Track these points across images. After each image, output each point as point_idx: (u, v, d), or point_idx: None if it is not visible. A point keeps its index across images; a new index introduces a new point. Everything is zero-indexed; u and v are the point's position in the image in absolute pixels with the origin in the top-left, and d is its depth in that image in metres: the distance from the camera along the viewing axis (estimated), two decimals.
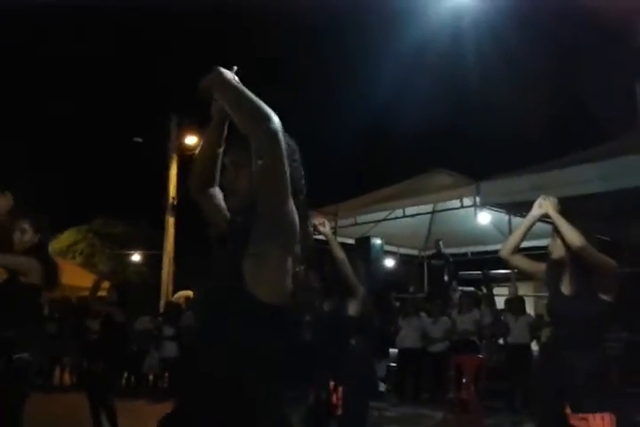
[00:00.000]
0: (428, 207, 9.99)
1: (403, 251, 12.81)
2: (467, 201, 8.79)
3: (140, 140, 14.87)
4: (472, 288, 10.17)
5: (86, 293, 12.27)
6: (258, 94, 1.51)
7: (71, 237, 21.31)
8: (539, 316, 7.51)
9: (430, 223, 11.80)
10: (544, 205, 2.74)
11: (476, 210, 8.47)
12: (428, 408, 7.82)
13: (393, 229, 10.87)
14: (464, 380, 6.68)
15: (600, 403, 2.35)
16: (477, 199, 8.25)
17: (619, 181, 6.91)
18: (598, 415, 2.29)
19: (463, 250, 12.14)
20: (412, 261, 12.80)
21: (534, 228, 3.07)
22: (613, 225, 9.31)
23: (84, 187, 20.90)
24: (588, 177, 7.08)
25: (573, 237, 2.53)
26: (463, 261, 11.78)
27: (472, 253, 12.15)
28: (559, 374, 2.44)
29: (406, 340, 8.65)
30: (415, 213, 9.74)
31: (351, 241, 10.96)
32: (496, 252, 10.77)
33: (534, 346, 7.63)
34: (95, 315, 6.78)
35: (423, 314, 8.84)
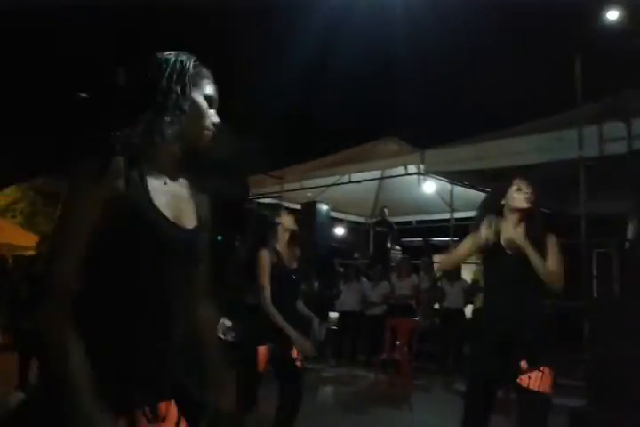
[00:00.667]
0: (375, 174, 10.05)
1: (350, 218, 12.92)
2: (411, 169, 8.88)
3: (84, 95, 14.32)
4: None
5: (25, 252, 12.01)
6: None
7: (11, 195, 20.56)
8: (474, 281, 7.74)
9: (377, 191, 11.92)
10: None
11: (419, 178, 8.57)
12: (363, 369, 8.06)
13: (340, 195, 10.92)
14: (398, 342, 6.88)
15: (545, 358, 2.45)
16: (422, 167, 8.34)
17: (554, 153, 7.09)
18: (538, 370, 2.40)
19: (408, 218, 12.32)
20: (359, 229, 12.93)
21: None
22: (552, 196, 9.63)
23: (26, 143, 20.03)
24: (526, 148, 7.23)
25: (550, 271, 2.51)
26: (407, 229, 11.99)
27: (417, 222, 12.37)
28: (504, 331, 2.49)
29: (346, 303, 8.82)
30: (361, 179, 9.77)
31: (297, 206, 11.00)
32: (439, 221, 11.11)
33: (468, 311, 7.92)
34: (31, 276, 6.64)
35: (364, 279, 9.01)
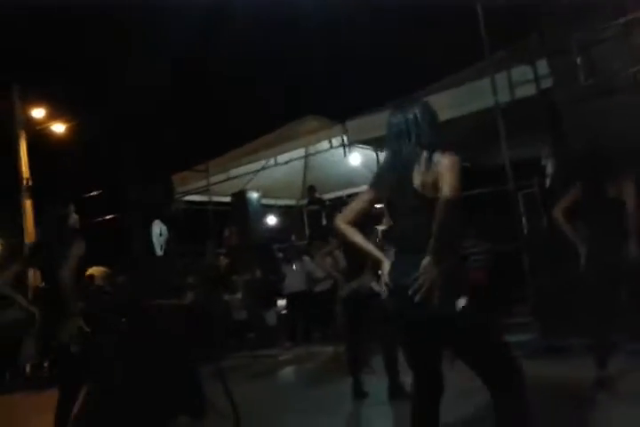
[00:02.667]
0: (300, 153, 9.95)
1: (281, 202, 12.79)
2: (335, 142, 8.84)
3: None
4: None
5: None
6: None
7: None
8: None
9: (304, 172, 11.85)
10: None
11: (345, 149, 8.55)
12: (319, 345, 8.01)
13: (268, 181, 10.76)
14: None
15: None
16: (345, 138, 8.31)
17: (471, 104, 7.21)
18: None
19: (339, 193, 12.32)
20: (292, 212, 12.83)
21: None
22: (470, 149, 9.85)
23: None
24: (444, 104, 7.31)
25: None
26: (340, 204, 11.97)
27: (347, 196, 12.38)
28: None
29: (292, 285, 8.73)
30: (288, 159, 9.65)
31: (226, 199, 10.78)
32: None
33: None
34: None
35: (306, 258, 8.92)
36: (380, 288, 2.53)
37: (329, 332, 8.13)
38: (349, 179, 11.50)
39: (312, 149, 9.71)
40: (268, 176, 10.55)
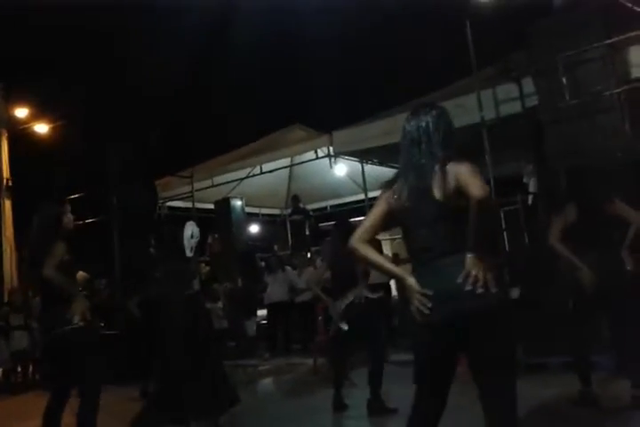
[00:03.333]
0: (285, 162, 9.95)
1: (264, 211, 12.77)
2: (321, 153, 8.87)
3: None
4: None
5: None
6: None
7: None
8: (395, 255, 7.84)
9: (289, 181, 11.85)
10: None
11: (331, 160, 8.57)
12: (299, 357, 7.97)
13: (253, 189, 10.75)
14: None
15: None
16: (331, 149, 8.34)
17: (457, 119, 7.27)
18: None
19: (323, 204, 12.34)
20: (275, 221, 12.80)
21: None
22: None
23: None
24: None
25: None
26: (324, 215, 12.01)
27: (331, 206, 12.41)
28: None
29: (274, 295, 8.69)
30: (273, 168, 9.65)
31: (210, 205, 10.73)
32: (353, 203, 11.17)
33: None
34: None
35: (289, 268, 8.90)
36: (417, 306, 2.29)
37: (309, 343, 8.11)
38: (333, 190, 11.55)
39: (297, 159, 9.70)
40: (253, 184, 10.54)
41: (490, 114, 6.79)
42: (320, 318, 6.93)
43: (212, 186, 10.01)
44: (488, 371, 2.28)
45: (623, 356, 4.05)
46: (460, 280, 2.19)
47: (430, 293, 2.26)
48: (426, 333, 2.34)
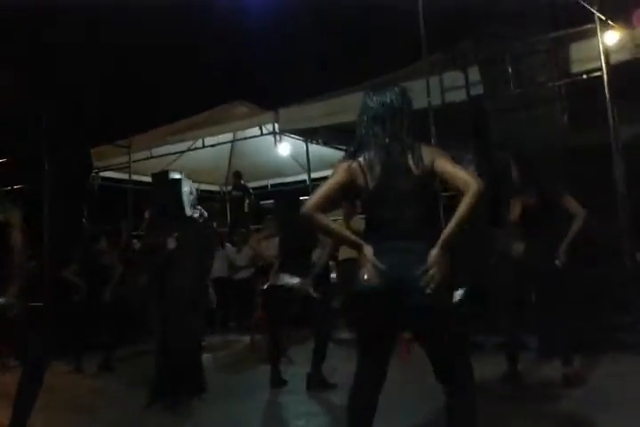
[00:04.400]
0: (229, 137, 9.80)
1: (203, 187, 12.53)
2: (266, 130, 8.77)
3: None
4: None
5: None
6: None
7: None
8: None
9: (230, 157, 11.68)
10: None
11: (275, 137, 8.48)
12: (236, 334, 7.97)
13: (192, 164, 10.49)
14: None
15: None
16: (276, 126, 8.27)
17: None
18: None
19: (263, 182, 12.25)
20: (214, 197, 12.62)
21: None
22: None
23: None
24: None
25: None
26: (264, 193, 11.94)
27: (272, 185, 12.35)
28: None
29: (213, 271, 8.59)
30: (216, 143, 9.47)
31: (147, 178, 10.42)
32: (294, 182, 11.16)
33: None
34: None
35: (228, 245, 8.83)
36: (365, 273, 2.30)
37: (246, 321, 8.11)
38: (276, 169, 11.48)
39: (241, 135, 9.56)
40: (192, 159, 10.30)
41: (436, 100, 6.91)
42: (258, 294, 6.91)
43: (151, 157, 9.73)
44: (433, 350, 2.37)
45: (550, 337, 4.28)
46: (417, 273, 2.22)
47: (383, 267, 2.28)
48: (368, 305, 2.38)
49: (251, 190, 10.69)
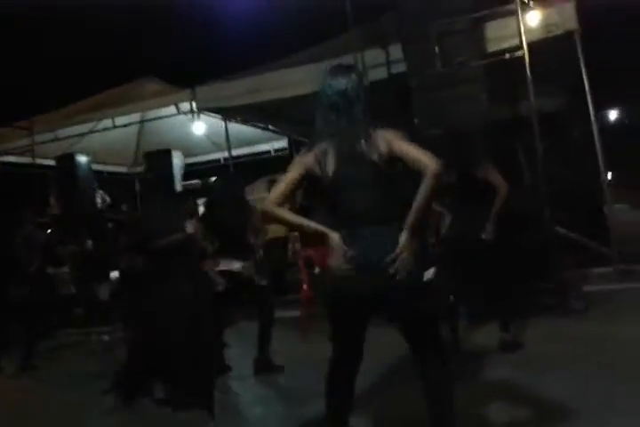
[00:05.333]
0: (139, 116, 9.32)
1: (110, 169, 11.91)
2: (182, 108, 8.42)
3: None
4: None
5: None
6: None
7: None
8: None
9: (138, 137, 11.14)
10: None
11: (194, 116, 8.17)
12: None
13: (97, 145, 9.92)
14: None
15: None
16: (194, 105, 7.96)
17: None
18: None
19: None
20: (121, 179, 12.03)
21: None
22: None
23: None
24: (300, 79, 7.32)
25: None
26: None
27: (186, 165, 11.94)
28: None
29: None
30: (127, 122, 8.99)
31: (50, 162, 9.75)
32: (210, 162, 10.90)
33: None
34: None
35: None
36: (334, 260, 2.32)
37: None
38: (187, 148, 11.08)
39: (153, 114, 9.10)
40: (97, 140, 9.72)
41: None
42: None
43: (56, 139, 9.08)
44: (408, 329, 2.42)
45: (479, 304, 4.50)
46: (387, 259, 2.25)
47: (353, 254, 2.30)
48: (340, 292, 2.39)
49: None
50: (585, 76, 6.11)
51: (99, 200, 9.71)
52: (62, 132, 9.10)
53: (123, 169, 12.24)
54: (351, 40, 6.98)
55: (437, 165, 2.21)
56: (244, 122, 9.05)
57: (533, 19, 5.73)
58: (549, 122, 6.94)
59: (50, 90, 11.28)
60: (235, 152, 10.51)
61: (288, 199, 2.45)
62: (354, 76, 2.47)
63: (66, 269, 8.61)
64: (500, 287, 4.26)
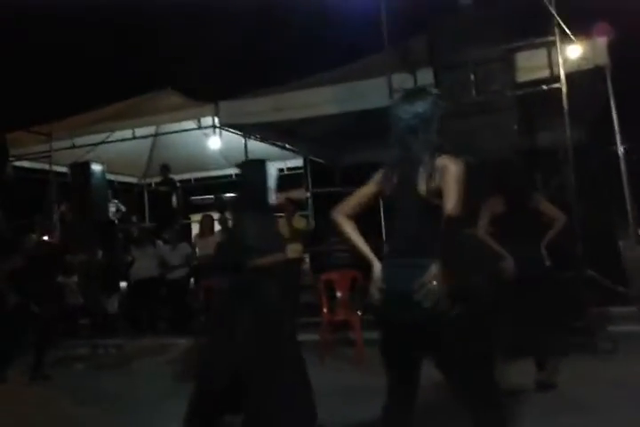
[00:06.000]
0: (160, 129, 9.28)
1: (121, 179, 11.84)
2: (203, 123, 8.38)
3: None
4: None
5: None
6: None
7: None
8: None
9: (152, 149, 11.09)
10: None
11: (215, 131, 8.12)
12: (170, 337, 7.54)
13: (111, 154, 9.85)
14: None
15: None
16: (216, 120, 7.92)
17: (347, 104, 7.30)
18: None
19: (186, 176, 11.76)
20: (132, 190, 11.95)
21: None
22: (334, 146, 10.06)
23: None
24: (323, 99, 7.33)
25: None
26: (188, 188, 11.49)
27: (195, 180, 11.90)
28: None
29: (142, 270, 8.14)
30: (146, 134, 8.94)
31: (62, 169, 9.67)
32: (222, 177, 10.85)
33: None
34: None
35: (159, 242, 8.39)
36: (372, 290, 2.34)
37: (179, 322, 7.76)
38: (201, 162, 11.06)
39: (174, 127, 9.03)
40: (110, 149, 9.64)
41: (382, 101, 6.89)
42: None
43: (74, 147, 9.01)
44: (448, 372, 2.32)
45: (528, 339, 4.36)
46: (414, 287, 2.18)
47: (384, 287, 2.30)
48: (378, 321, 2.44)
49: (178, 184, 10.23)
50: (614, 111, 6.12)
51: (113, 209, 9.64)
52: (79, 140, 9.03)
53: (133, 180, 12.17)
54: (379, 62, 6.99)
55: (452, 210, 2.19)
56: (263, 140, 9.01)
57: (573, 52, 5.73)
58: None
59: (66, 96, 11.23)
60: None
61: (356, 212, 2.45)
62: (431, 98, 2.44)
63: (75, 278, 8.51)
64: (542, 324, 4.16)
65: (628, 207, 6.12)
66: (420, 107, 2.39)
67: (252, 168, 3.94)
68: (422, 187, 2.29)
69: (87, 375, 6.04)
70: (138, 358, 6.70)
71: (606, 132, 6.47)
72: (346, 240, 2.45)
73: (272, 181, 3.65)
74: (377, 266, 2.34)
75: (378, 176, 2.46)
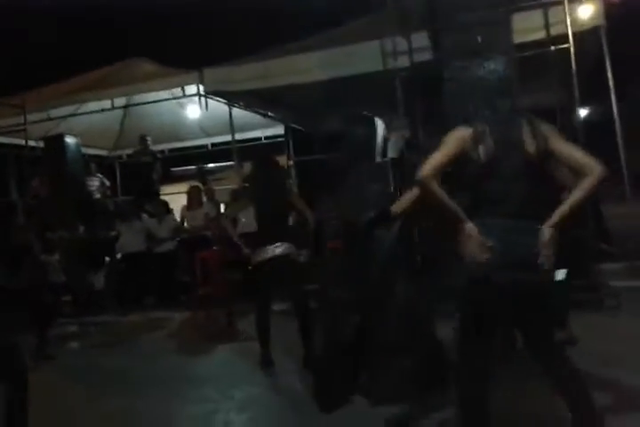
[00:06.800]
0: (137, 98, 8.88)
1: (91, 151, 11.35)
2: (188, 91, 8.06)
3: None
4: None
5: None
6: None
7: None
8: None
9: (123, 119, 10.65)
10: None
11: (200, 100, 7.81)
12: (160, 311, 7.37)
13: (80, 126, 9.41)
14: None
15: None
16: (201, 88, 7.63)
17: (336, 69, 7.12)
18: None
19: (161, 147, 11.39)
20: (102, 163, 11.50)
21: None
22: (314, 114, 9.86)
23: None
24: (307, 65, 7.12)
25: None
26: (163, 159, 11.14)
27: (170, 150, 11.53)
28: None
29: (129, 245, 7.91)
30: (126, 104, 8.58)
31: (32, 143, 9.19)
32: (197, 147, 10.55)
33: None
34: None
35: (145, 216, 8.14)
36: (473, 251, 2.26)
37: (168, 297, 7.62)
38: (174, 132, 10.71)
39: (152, 96, 8.65)
40: (80, 121, 9.22)
41: (377, 66, 6.75)
42: (199, 269, 6.48)
43: (48, 119, 8.58)
44: (540, 331, 2.37)
45: None
46: (534, 251, 2.20)
47: (491, 245, 2.23)
48: (478, 284, 2.31)
49: (158, 155, 9.90)
50: (609, 72, 6.16)
51: (97, 184, 9.31)
52: (54, 112, 8.59)
53: (103, 153, 11.74)
54: (371, 25, 6.83)
55: (603, 169, 2.18)
56: (246, 107, 8.74)
57: (583, 11, 5.70)
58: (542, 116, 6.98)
59: (44, 65, 10.64)
60: (222, 138, 10.23)
61: (440, 173, 2.34)
62: (505, 60, 2.49)
63: (57, 256, 8.20)
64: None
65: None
66: (498, 68, 2.43)
67: (357, 125, 3.69)
68: (532, 148, 2.26)
69: (86, 354, 5.85)
70: (133, 334, 6.50)
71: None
72: (436, 202, 2.36)
73: (380, 142, 3.50)
74: (471, 226, 2.28)
75: (461, 134, 2.35)
